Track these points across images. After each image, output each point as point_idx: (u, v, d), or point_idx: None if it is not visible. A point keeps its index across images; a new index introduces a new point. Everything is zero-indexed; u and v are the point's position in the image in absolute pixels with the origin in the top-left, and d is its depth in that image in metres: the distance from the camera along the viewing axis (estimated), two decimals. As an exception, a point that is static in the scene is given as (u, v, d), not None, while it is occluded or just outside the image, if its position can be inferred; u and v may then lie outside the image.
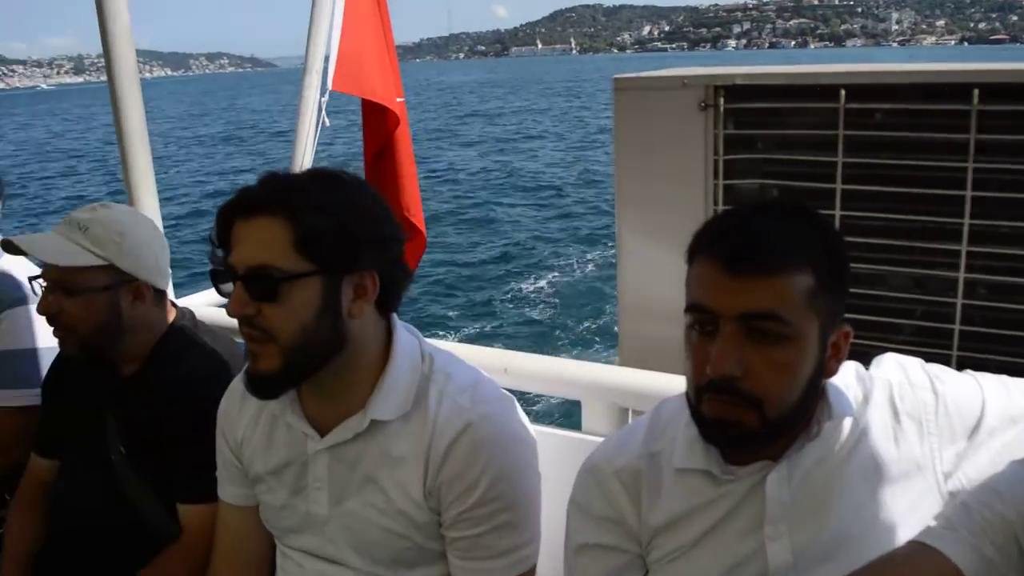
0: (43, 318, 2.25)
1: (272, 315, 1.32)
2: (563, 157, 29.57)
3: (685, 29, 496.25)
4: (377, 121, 3.19)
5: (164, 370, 1.90)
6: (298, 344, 1.33)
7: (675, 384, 1.82)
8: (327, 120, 2.98)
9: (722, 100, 2.24)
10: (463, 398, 1.44)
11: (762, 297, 1.10)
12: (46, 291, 1.81)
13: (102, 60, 2.44)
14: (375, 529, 1.47)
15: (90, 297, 1.80)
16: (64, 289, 1.79)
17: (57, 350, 2.30)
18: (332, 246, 1.32)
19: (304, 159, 2.84)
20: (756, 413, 1.13)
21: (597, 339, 10.79)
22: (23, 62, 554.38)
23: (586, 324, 11.54)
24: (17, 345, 2.22)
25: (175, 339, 1.95)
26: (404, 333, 1.50)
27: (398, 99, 3.17)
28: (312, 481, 1.50)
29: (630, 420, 1.90)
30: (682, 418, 1.28)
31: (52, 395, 2.08)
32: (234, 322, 1.35)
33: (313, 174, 1.41)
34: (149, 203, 2.40)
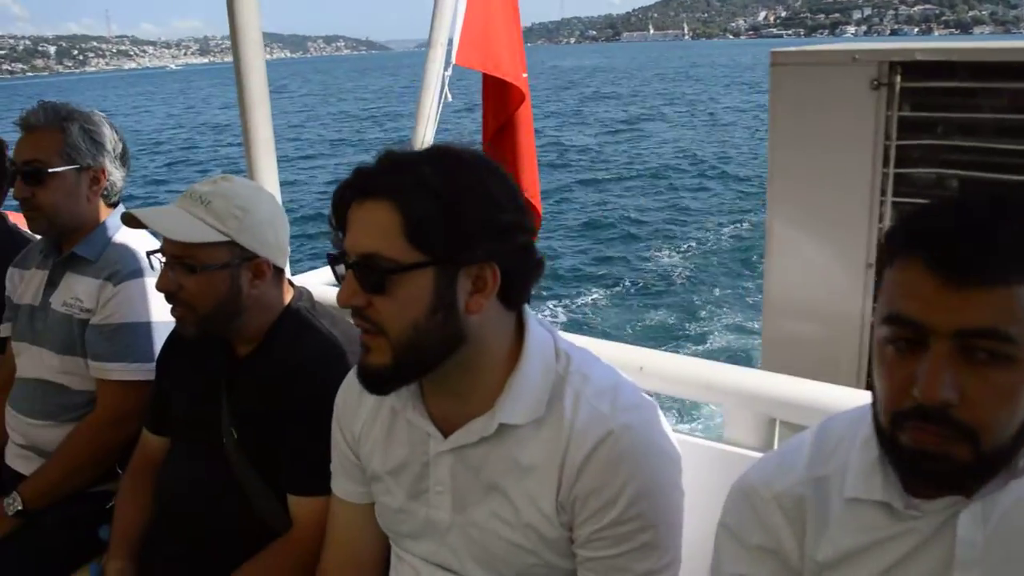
0: (159, 292, 2.25)
1: (382, 308, 1.21)
2: (689, 142, 28.95)
3: (802, 15, 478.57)
4: (498, 98, 3.05)
5: (280, 352, 1.81)
6: (409, 341, 1.21)
7: (831, 396, 1.66)
8: (450, 95, 2.85)
9: (898, 78, 1.98)
10: (603, 403, 1.30)
11: (984, 311, 0.92)
12: (165, 267, 1.74)
13: (226, 42, 2.38)
14: (500, 542, 1.34)
15: (210, 274, 1.72)
16: (184, 265, 1.72)
17: (171, 325, 2.27)
18: (446, 235, 1.19)
19: (426, 135, 2.73)
20: (969, 446, 0.95)
21: (731, 337, 10.15)
22: (153, 43, 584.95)
23: (717, 320, 10.83)
24: (132, 318, 2.18)
25: (292, 320, 1.85)
26: (537, 328, 1.35)
27: (523, 75, 3.03)
28: (433, 485, 1.38)
29: (777, 432, 1.72)
30: (855, 439, 1.12)
31: (165, 372, 2.03)
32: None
33: (431, 154, 1.26)
34: (269, 179, 2.33)
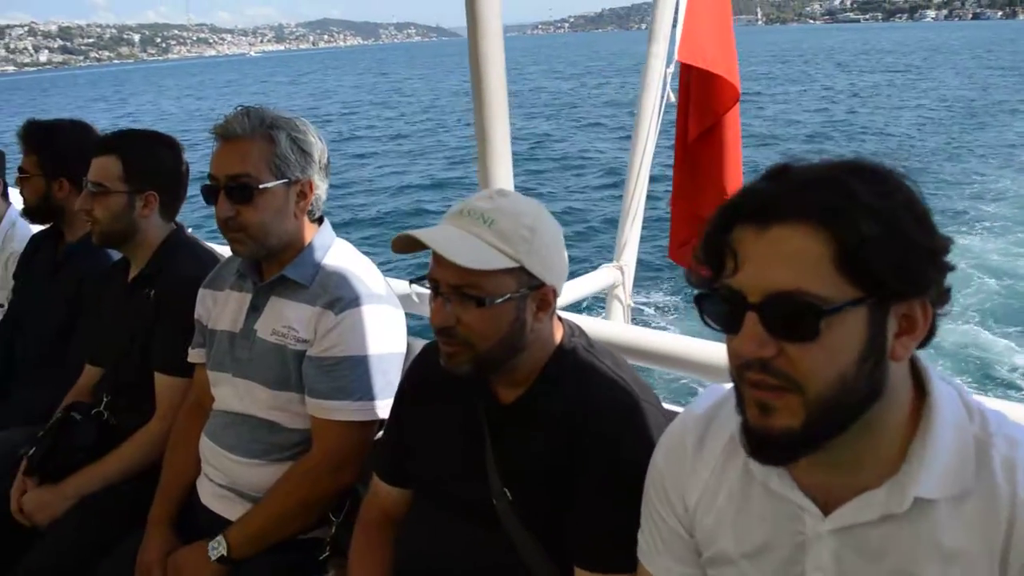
0: (385, 321, 2.01)
1: (801, 357, 0.99)
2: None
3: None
4: (705, 96, 2.74)
5: (561, 399, 1.54)
6: (832, 397, 1.00)
7: None
8: (672, 95, 2.57)
9: None
10: None
11: None
12: (440, 298, 1.49)
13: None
14: None
15: (497, 307, 1.46)
16: (466, 296, 1.46)
17: (399, 358, 2.05)
18: (891, 264, 0.97)
19: (649, 137, 2.46)
20: None
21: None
22: (231, 31, 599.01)
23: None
24: (356, 351, 1.95)
25: (570, 361, 1.58)
26: (938, 380, 1.12)
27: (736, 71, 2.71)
28: (811, 571, 1.14)
29: None
30: None
31: (406, 414, 1.78)
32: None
33: (849, 166, 1.02)
34: (503, 185, 2.07)
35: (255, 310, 2.07)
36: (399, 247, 1.51)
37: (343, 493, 1.98)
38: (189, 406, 2.28)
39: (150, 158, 2.41)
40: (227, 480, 2.08)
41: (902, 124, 27.34)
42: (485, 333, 1.47)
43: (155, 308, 2.35)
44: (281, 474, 2.01)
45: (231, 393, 2.09)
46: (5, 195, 3.32)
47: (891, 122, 27.99)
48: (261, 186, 1.93)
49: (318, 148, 2.02)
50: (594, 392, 1.53)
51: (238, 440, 2.06)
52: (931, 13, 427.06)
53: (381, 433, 1.98)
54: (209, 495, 2.12)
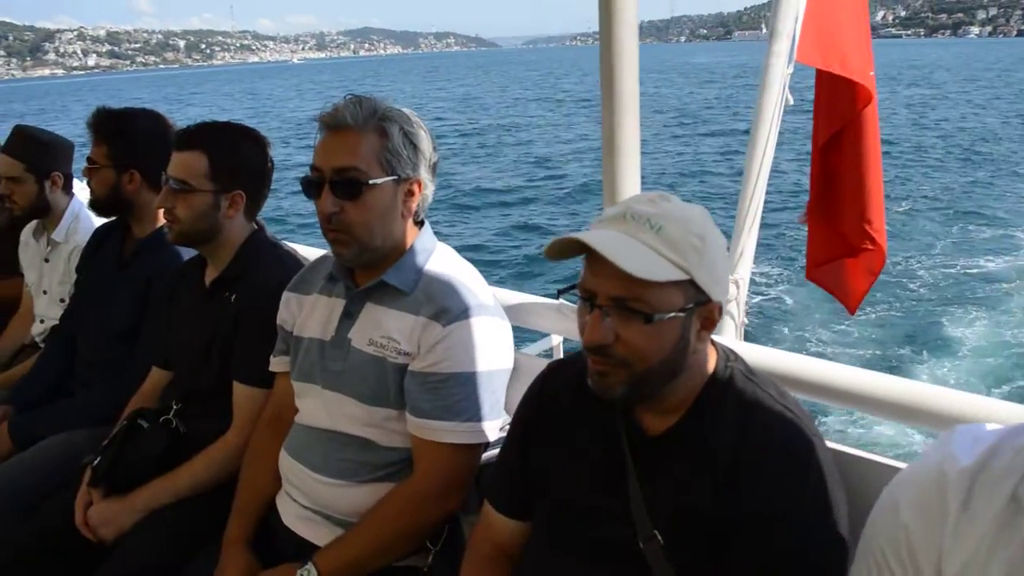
0: (495, 334, 1.81)
1: None
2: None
3: (923, 15, 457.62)
4: (836, 98, 2.52)
5: (724, 433, 1.34)
6: None
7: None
8: (790, 97, 2.35)
9: None
10: None
11: None
12: (597, 312, 1.28)
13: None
14: None
15: (662, 323, 1.26)
16: (629, 311, 1.26)
17: (507, 374, 1.86)
18: None
19: (768, 142, 2.25)
20: None
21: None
22: (273, 38, 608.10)
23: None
24: (466, 367, 1.76)
25: (730, 390, 1.38)
26: None
27: (870, 72, 2.49)
28: None
29: None
30: None
31: (530, 439, 1.58)
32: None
33: None
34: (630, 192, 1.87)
35: (349, 317, 1.89)
36: (554, 252, 1.32)
37: (442, 524, 1.80)
38: (268, 418, 2.10)
39: (237, 155, 2.23)
40: (312, 502, 1.89)
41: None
42: (646, 353, 1.28)
43: (236, 314, 2.18)
44: (373, 496, 1.82)
45: (319, 407, 1.91)
46: (68, 187, 3.18)
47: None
48: (370, 182, 1.74)
49: (429, 145, 1.83)
50: (761, 426, 1.33)
51: (325, 459, 1.87)
52: (975, 30, 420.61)
53: (490, 455, 1.80)
54: (292, 516, 1.93)
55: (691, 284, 1.27)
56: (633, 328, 1.26)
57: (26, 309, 3.24)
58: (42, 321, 3.12)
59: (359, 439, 1.85)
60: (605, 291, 1.27)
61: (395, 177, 1.77)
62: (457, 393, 1.75)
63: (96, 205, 2.72)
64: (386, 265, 1.85)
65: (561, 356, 2.41)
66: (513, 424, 1.63)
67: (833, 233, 2.82)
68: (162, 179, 2.62)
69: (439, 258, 1.89)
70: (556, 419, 1.52)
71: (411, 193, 1.82)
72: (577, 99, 50.77)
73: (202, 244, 2.27)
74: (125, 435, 2.18)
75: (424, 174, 1.83)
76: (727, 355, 1.43)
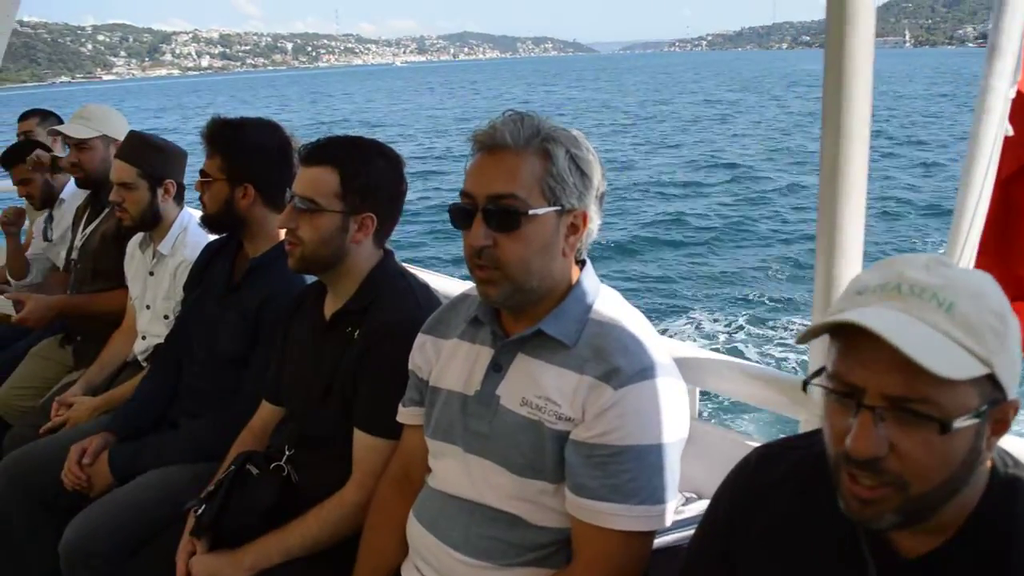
0: (674, 399, 1.51)
1: None
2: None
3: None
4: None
5: (1005, 562, 1.02)
6: None
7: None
8: (1011, 128, 1.95)
9: None
10: None
11: None
12: (869, 415, 0.96)
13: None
14: None
15: (956, 432, 0.95)
16: (914, 415, 0.95)
17: (683, 444, 1.57)
18: None
19: (987, 175, 1.86)
20: None
21: None
22: (375, 41, 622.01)
23: None
24: (642, 439, 1.46)
25: (1011, 503, 1.05)
26: None
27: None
28: None
29: None
30: None
31: (739, 545, 1.26)
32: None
33: None
34: (854, 235, 1.52)
35: (497, 370, 1.61)
36: (812, 337, 1.03)
37: None
38: (395, 476, 1.84)
39: (370, 173, 1.98)
40: None
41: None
42: (930, 470, 0.97)
43: (361, 353, 1.93)
44: None
45: (459, 472, 1.64)
46: (180, 197, 3.03)
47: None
48: (530, 212, 1.47)
49: (598, 172, 1.55)
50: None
51: (466, 535, 1.60)
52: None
53: (662, 542, 1.54)
54: None
55: (989, 380, 0.97)
56: (917, 438, 0.95)
57: (129, 324, 3.09)
58: (144, 338, 2.97)
59: (507, 515, 1.57)
60: (879, 388, 0.96)
61: (558, 208, 1.50)
62: (630, 470, 1.45)
63: (208, 221, 2.53)
64: (540, 310, 1.57)
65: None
66: (712, 519, 1.32)
67: (1009, 274, 2.44)
68: (285, 196, 2.41)
69: (604, 304, 1.60)
70: (774, 526, 1.20)
71: (575, 227, 1.54)
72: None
73: (325, 271, 2.03)
74: (232, 482, 1.98)
75: (591, 206, 1.55)
76: (1004, 459, 1.09)
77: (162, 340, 2.81)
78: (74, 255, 3.45)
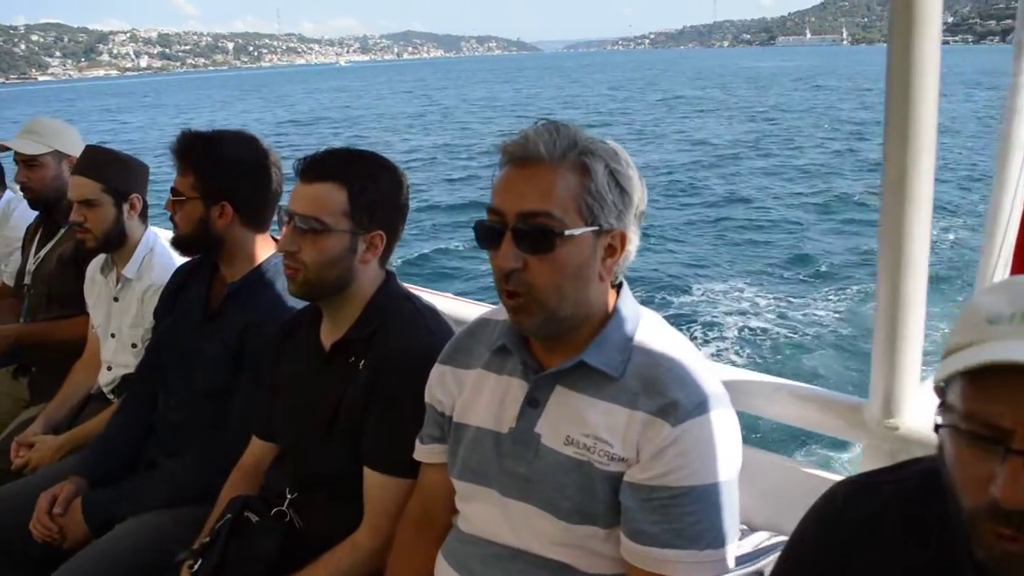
0: (730, 431, 1.40)
1: None
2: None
3: (971, 20, 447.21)
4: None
5: None
6: None
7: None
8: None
9: None
10: None
11: None
12: (1021, 461, 0.86)
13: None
14: None
15: None
16: None
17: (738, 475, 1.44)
18: None
19: (1020, 181, 1.78)
20: None
21: None
22: (318, 41, 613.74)
23: None
24: (704, 479, 1.34)
25: None
26: None
27: None
28: None
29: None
30: None
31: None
32: None
33: None
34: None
35: (533, 405, 1.47)
36: (956, 371, 0.91)
37: None
38: (415, 519, 1.68)
39: (379, 188, 1.83)
40: None
41: None
42: None
43: (368, 383, 1.77)
44: None
45: (497, 518, 1.49)
46: (145, 214, 2.82)
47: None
48: (565, 232, 1.34)
49: (639, 189, 1.41)
50: None
51: None
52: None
53: None
54: None
55: None
56: None
57: (91, 354, 2.85)
58: (110, 368, 2.75)
59: (554, 563, 1.44)
60: None
61: (596, 228, 1.36)
62: (694, 513, 1.32)
63: (180, 242, 2.31)
64: (578, 339, 1.43)
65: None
66: (800, 560, 1.20)
67: None
68: (265, 215, 2.23)
69: (648, 331, 1.46)
70: (874, 562, 1.10)
71: (612, 249, 1.41)
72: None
73: (330, 296, 1.86)
74: (230, 531, 1.80)
75: (631, 225, 1.42)
76: None
77: (131, 370, 2.61)
78: (27, 280, 3.19)
